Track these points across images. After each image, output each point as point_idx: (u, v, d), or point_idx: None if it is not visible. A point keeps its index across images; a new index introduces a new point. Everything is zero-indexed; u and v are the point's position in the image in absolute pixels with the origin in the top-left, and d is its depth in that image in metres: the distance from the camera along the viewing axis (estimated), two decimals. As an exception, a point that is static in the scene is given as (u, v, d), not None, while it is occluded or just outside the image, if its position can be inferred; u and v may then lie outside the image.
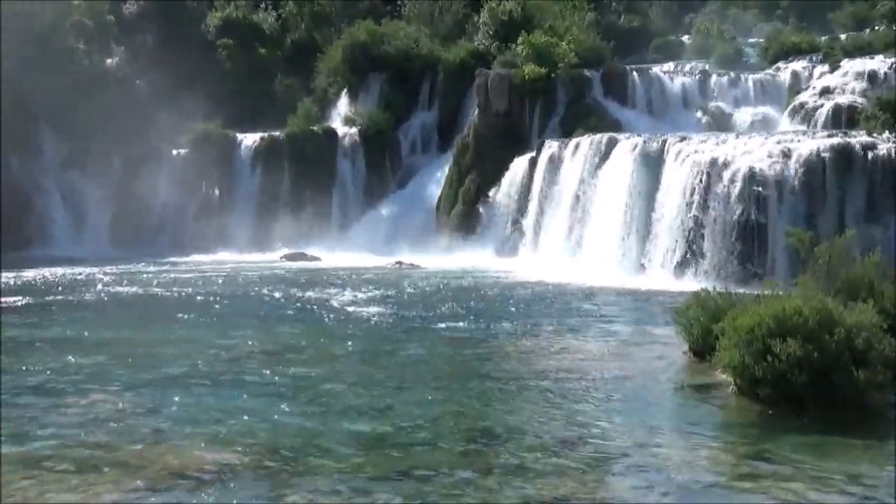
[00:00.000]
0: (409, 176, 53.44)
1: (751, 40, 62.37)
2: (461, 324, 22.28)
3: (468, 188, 47.33)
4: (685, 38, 66.54)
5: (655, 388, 15.02)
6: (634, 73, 50.20)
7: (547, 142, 43.16)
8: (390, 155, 54.21)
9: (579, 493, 9.70)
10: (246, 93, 58.02)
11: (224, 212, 53.81)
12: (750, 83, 49.11)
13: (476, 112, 49.36)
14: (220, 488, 9.73)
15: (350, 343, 19.66)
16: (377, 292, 29.72)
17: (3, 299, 27.92)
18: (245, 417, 12.87)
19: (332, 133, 54.73)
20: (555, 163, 41.01)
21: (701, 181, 31.81)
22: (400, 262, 41.92)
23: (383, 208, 51.79)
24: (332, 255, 46.66)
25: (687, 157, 32.86)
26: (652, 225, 33.32)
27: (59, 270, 38.98)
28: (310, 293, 29.60)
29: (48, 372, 16.29)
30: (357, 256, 45.28)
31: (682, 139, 34.54)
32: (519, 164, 44.55)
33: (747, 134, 35.97)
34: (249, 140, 55.07)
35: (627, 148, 36.08)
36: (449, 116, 53.75)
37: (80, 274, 37.53)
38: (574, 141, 40.57)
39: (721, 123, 45.86)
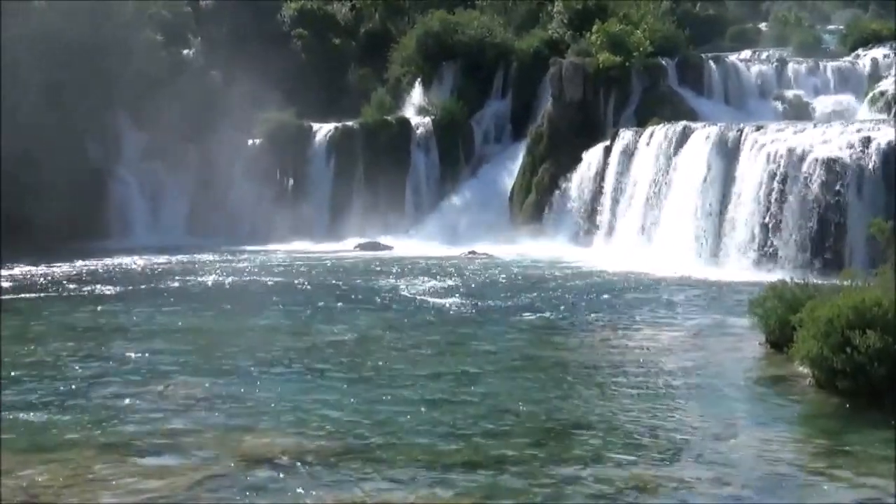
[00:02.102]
0: (482, 165, 53.31)
1: (830, 28, 61.38)
2: (535, 314, 22.22)
3: (542, 178, 47.15)
4: (762, 25, 65.64)
5: (731, 379, 14.88)
6: (710, 61, 49.58)
7: (621, 131, 42.83)
8: (464, 144, 54.09)
9: (655, 484, 9.64)
10: (320, 83, 58.22)
11: (298, 201, 54.14)
12: (829, 71, 48.29)
13: (550, 101, 49.10)
14: (296, 474, 9.82)
15: (424, 332, 19.69)
16: (450, 282, 29.75)
17: (83, 288, 28.38)
18: (321, 405, 12.97)
19: (405, 123, 54.78)
20: (629, 152, 40.71)
21: (778, 171, 31.38)
22: (473, 252, 41.89)
23: (456, 198, 51.73)
24: (405, 245, 46.75)
25: (763, 147, 32.43)
26: (727, 215, 32.94)
27: (138, 260, 39.55)
28: (383, 282, 29.72)
29: (129, 359, 16.56)
30: (430, 246, 45.32)
31: (759, 128, 34.07)
32: (593, 154, 44.27)
33: (826, 123, 35.38)
34: (324, 130, 55.33)
35: (703, 137, 35.69)
36: (522, 106, 53.49)
37: (157, 263, 38.04)
38: (648, 130, 40.22)
39: (799, 112, 45.15)
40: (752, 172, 32.33)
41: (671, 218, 35.90)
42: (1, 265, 35.26)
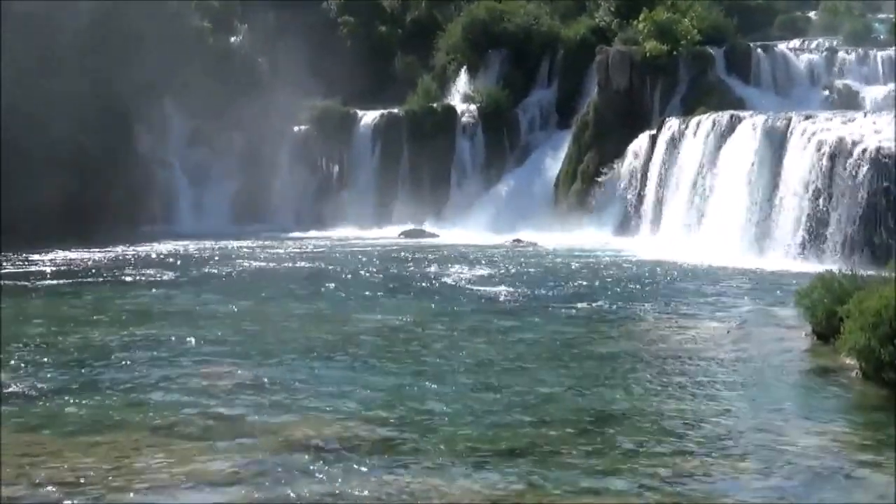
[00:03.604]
0: (527, 154, 53.22)
1: (880, 16, 60.54)
2: (579, 303, 22.14)
3: (587, 166, 47.02)
4: (812, 14, 64.87)
5: (777, 370, 14.76)
6: (759, 49, 49.14)
7: (668, 120, 42.59)
8: (509, 132, 54.02)
9: (700, 475, 9.59)
10: (366, 70, 58.26)
11: (344, 188, 54.36)
12: (879, 60, 47.67)
13: (596, 90, 48.92)
14: (339, 459, 9.85)
15: (467, 321, 19.70)
16: (494, 270, 29.74)
17: (130, 273, 28.64)
18: (363, 392, 13.01)
19: (451, 110, 54.79)
20: (676, 141, 40.46)
21: (827, 160, 31.06)
22: (518, 240, 41.86)
23: (502, 186, 51.68)
24: (449, 233, 46.81)
25: (812, 136, 32.10)
26: (775, 205, 32.66)
27: (183, 246, 39.84)
28: (427, 270, 29.76)
29: (175, 343, 16.69)
30: (475, 234, 45.34)
31: (808, 117, 33.73)
32: (639, 143, 44.08)
33: (876, 112, 34.96)
34: (369, 117, 55.46)
35: (750, 126, 35.39)
36: (568, 94, 53.31)
37: (202, 249, 38.30)
38: (696, 119, 39.96)
39: (848, 102, 44.63)
40: (800, 162, 32.03)
41: (718, 207, 35.66)
42: (48, 250, 35.68)
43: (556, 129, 53.24)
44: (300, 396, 12.67)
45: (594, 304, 21.91)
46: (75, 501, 8.59)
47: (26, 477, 9.19)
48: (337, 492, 8.95)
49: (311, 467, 9.64)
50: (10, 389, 12.83)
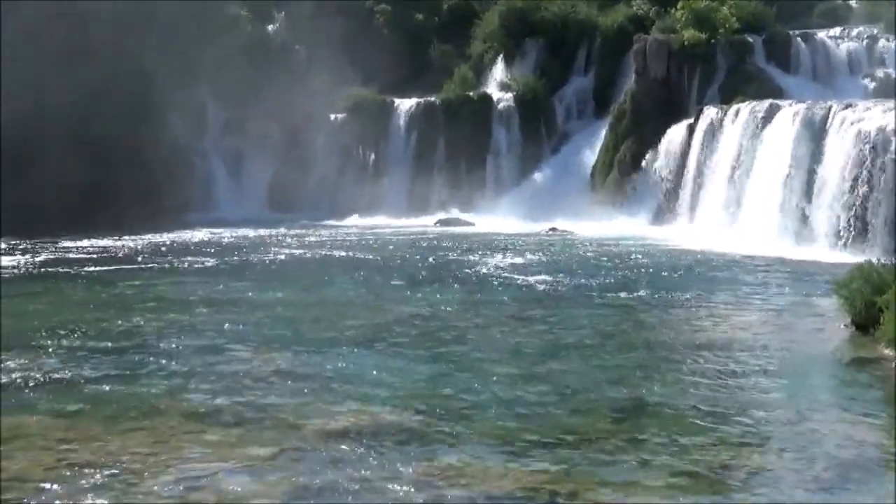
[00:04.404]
0: (564, 142, 53.10)
1: (923, 4, 59.90)
2: (615, 292, 22.08)
3: (624, 155, 46.84)
4: (852, 2, 64.25)
5: (815, 360, 14.67)
6: (798, 38, 48.71)
7: (706, 108, 42.34)
8: (545, 121, 53.90)
9: (736, 465, 9.55)
10: (403, 58, 58.27)
11: (380, 176, 54.42)
12: (921, 48, 47.22)
13: (633, 78, 48.70)
14: (374, 447, 9.88)
15: (503, 309, 19.69)
16: (530, 259, 29.70)
17: (168, 260, 28.82)
18: (399, 379, 13.04)
19: (487, 99, 54.72)
20: (713, 130, 40.23)
21: (867, 150, 30.78)
22: (554, 229, 41.79)
23: (538, 174, 51.60)
24: (485, 221, 46.78)
25: (852, 125, 31.80)
26: (814, 194, 32.41)
27: (220, 233, 40.05)
28: (463, 258, 29.76)
29: (212, 330, 16.79)
30: (511, 222, 45.29)
31: (848, 106, 33.42)
32: (676, 131, 43.85)
33: (917, 101, 34.59)
34: (405, 105, 55.48)
35: (789, 115, 35.12)
36: (605, 82, 53.15)
37: (239, 237, 38.48)
38: (734, 108, 39.71)
39: (889, 90, 44.15)
40: (839, 151, 31.75)
41: (756, 197, 35.45)
42: (85, 237, 35.96)
43: (593, 118, 53.09)
44: (336, 384, 12.71)
45: (630, 294, 21.84)
46: (114, 485, 8.65)
47: (66, 461, 9.28)
48: (373, 478, 8.98)
49: (347, 454, 9.67)
50: (51, 375, 12.95)
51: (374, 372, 13.45)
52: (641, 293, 21.95)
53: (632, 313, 19.37)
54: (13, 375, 12.88)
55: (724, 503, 8.74)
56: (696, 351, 15.10)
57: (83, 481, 8.73)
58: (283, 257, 30.53)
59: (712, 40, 47.15)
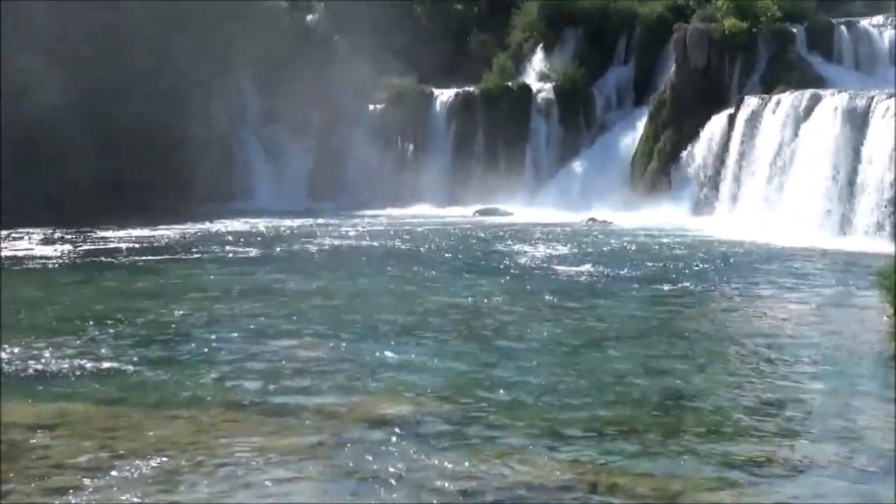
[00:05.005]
0: (603, 132, 52.88)
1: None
2: (655, 283, 22.00)
3: (664, 145, 46.60)
4: (896, -11, 63.59)
5: (856, 353, 14.53)
6: (841, 26, 48.19)
7: (746, 98, 42.01)
8: (585, 111, 53.71)
9: (776, 458, 9.48)
10: (442, 48, 58.17)
11: (418, 167, 54.42)
12: (966, 37, 46.62)
13: (673, 68, 48.41)
14: (414, 436, 9.90)
15: (542, 299, 19.65)
16: (569, 249, 29.63)
17: (208, 249, 28.99)
18: (439, 369, 13.06)
19: (526, 89, 54.57)
20: (754, 120, 39.91)
21: (910, 139, 30.47)
22: (593, 219, 41.67)
23: (577, 164, 51.44)
24: (524, 211, 46.71)
25: (895, 115, 31.51)
26: (856, 185, 32.12)
27: (260, 222, 40.23)
28: (502, 248, 29.74)
29: (252, 319, 16.87)
30: (550, 212, 45.21)
31: (891, 96, 33.05)
32: (717, 122, 43.56)
33: (962, 90, 34.17)
34: (444, 96, 55.45)
35: (831, 105, 34.79)
36: (645, 72, 52.87)
37: (279, 226, 38.63)
38: (775, 97, 39.38)
39: (933, 80, 43.71)
40: (882, 141, 31.44)
41: (797, 187, 35.15)
42: (126, 227, 36.24)
43: (632, 108, 52.84)
44: (376, 373, 12.74)
45: (670, 285, 21.74)
46: (156, 473, 8.72)
47: (108, 449, 9.36)
48: (413, 468, 9.00)
49: (387, 444, 9.69)
50: (94, 364, 13.06)
51: (414, 361, 13.47)
52: (682, 284, 21.85)
53: (672, 304, 19.28)
54: (56, 363, 13.01)
55: (765, 495, 8.68)
56: (738, 342, 15.02)
57: (125, 469, 8.80)
58: (322, 247, 30.62)
59: (753, 29, 46.75)
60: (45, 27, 44.43)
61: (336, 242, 31.99)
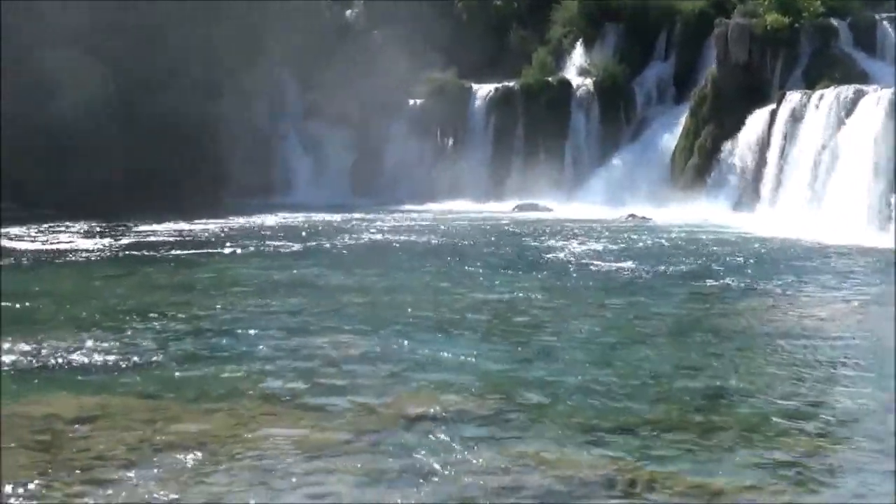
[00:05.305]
0: (643, 128, 52.74)
1: None
2: (695, 280, 21.88)
3: (705, 141, 46.40)
4: (941, -16, 62.92)
5: (899, 352, 14.38)
6: (885, 22, 47.77)
7: (788, 94, 41.75)
8: (625, 106, 53.59)
9: (813, 457, 9.39)
10: (482, 43, 58.23)
11: (458, 161, 54.47)
12: None
13: (714, 63, 48.19)
14: (452, 432, 9.88)
15: (581, 296, 19.61)
16: (608, 245, 29.53)
17: (248, 243, 29.12)
18: (476, 364, 13.03)
19: (566, 84, 54.49)
20: (797, 116, 39.66)
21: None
22: (633, 215, 41.55)
23: (616, 160, 51.31)
24: (564, 207, 46.64)
25: (940, 111, 31.20)
26: (901, 181, 31.86)
27: (300, 217, 40.38)
28: (541, 244, 29.68)
29: (290, 313, 16.93)
30: (589, 208, 45.11)
31: (935, 92, 32.78)
32: (758, 117, 43.31)
33: None
34: (484, 91, 55.45)
35: (875, 100, 34.52)
36: (686, 68, 52.68)
37: (319, 220, 38.75)
38: (818, 93, 39.11)
39: (978, 75, 43.22)
40: (927, 137, 31.17)
41: (840, 184, 34.90)
42: (166, 220, 36.46)
43: (673, 104, 52.68)
44: (413, 369, 12.74)
45: (710, 282, 21.61)
46: (195, 466, 8.76)
47: (148, 441, 9.41)
48: (449, 464, 8.98)
49: (424, 439, 9.68)
50: (134, 357, 13.14)
51: (451, 357, 13.45)
52: (722, 282, 21.71)
53: (712, 302, 19.16)
54: (98, 356, 13.10)
55: (805, 496, 8.60)
56: (778, 341, 14.89)
57: (164, 461, 8.85)
58: (360, 242, 30.69)
59: (796, 24, 46.47)
60: (81, 20, 44.78)
61: (374, 237, 32.06)
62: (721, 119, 45.74)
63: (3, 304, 17.50)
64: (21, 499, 7.94)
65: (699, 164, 46.20)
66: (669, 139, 49.86)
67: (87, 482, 8.35)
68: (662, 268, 23.98)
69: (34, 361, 12.77)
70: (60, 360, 12.84)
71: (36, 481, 8.27)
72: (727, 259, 26.02)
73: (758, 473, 8.99)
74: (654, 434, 10.06)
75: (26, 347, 13.48)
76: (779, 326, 16.25)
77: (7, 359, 12.84)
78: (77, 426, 9.90)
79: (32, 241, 30.88)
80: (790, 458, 9.37)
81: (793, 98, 40.69)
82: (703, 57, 51.44)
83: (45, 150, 43.64)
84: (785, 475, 8.96)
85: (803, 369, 13.06)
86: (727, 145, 44.71)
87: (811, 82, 43.12)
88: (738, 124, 44.39)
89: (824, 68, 44.51)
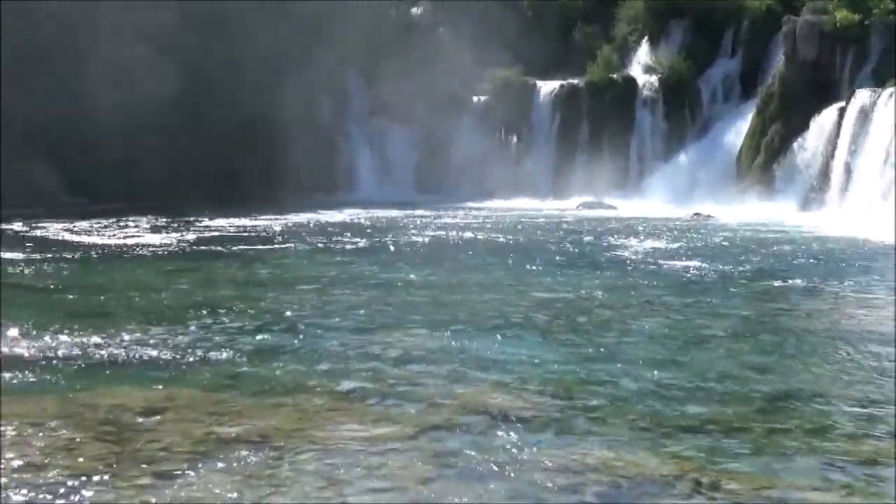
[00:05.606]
0: (709, 126, 52.36)
1: None
2: (762, 280, 21.68)
3: (771, 139, 45.96)
4: None
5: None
6: (957, 18, 46.96)
7: (858, 91, 41.20)
8: (690, 104, 53.23)
9: (880, 460, 9.27)
10: (546, 40, 58.10)
11: (522, 158, 54.46)
12: None
13: (782, 60, 47.71)
14: (515, 429, 9.88)
15: (644, 294, 19.49)
16: (673, 244, 29.34)
17: (313, 240, 29.29)
18: (538, 362, 13.01)
19: (631, 81, 54.26)
20: (866, 114, 39.15)
21: None
22: (698, 214, 41.26)
23: (682, 158, 50.99)
24: (628, 205, 46.44)
25: None
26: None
27: (365, 214, 40.55)
28: (604, 243, 29.56)
29: (354, 309, 17.02)
30: (654, 206, 44.87)
31: None
32: (827, 115, 42.80)
33: None
34: (548, 88, 55.36)
35: (947, 99, 33.98)
36: (753, 65, 52.22)
37: (383, 218, 38.90)
38: (888, 90, 38.57)
39: None
40: None
41: (910, 182, 34.40)
42: (232, 216, 36.78)
43: (739, 101, 52.25)
44: (476, 367, 12.74)
45: (777, 282, 21.40)
46: (261, 460, 8.83)
47: (213, 435, 9.50)
48: (513, 461, 8.98)
49: (488, 436, 9.69)
50: (200, 350, 13.29)
51: (515, 356, 13.44)
52: (789, 281, 21.49)
53: (778, 302, 18.98)
54: (166, 349, 13.27)
55: (873, 497, 8.50)
56: (846, 342, 14.70)
57: (230, 455, 8.93)
58: (424, 239, 30.76)
59: (866, 21, 45.82)
60: (150, 17, 45.33)
61: (438, 234, 32.12)
62: (788, 117, 45.27)
63: (74, 296, 17.87)
64: (91, 489, 8.06)
65: (765, 162, 45.76)
66: (735, 137, 49.44)
67: (154, 475, 8.45)
68: (728, 267, 23.78)
69: (104, 354, 12.97)
70: (129, 353, 13.02)
71: (104, 473, 8.39)
72: (793, 259, 25.75)
73: (824, 475, 8.89)
74: (719, 435, 9.98)
75: (97, 340, 13.70)
76: (847, 327, 16.05)
77: (78, 351, 13.06)
78: (144, 418, 10.03)
79: (100, 236, 31.35)
80: (857, 460, 9.26)
81: (862, 96, 40.16)
82: (771, 54, 50.97)
83: (114, 146, 44.23)
84: (852, 477, 8.85)
85: (871, 372, 12.89)
86: (794, 144, 44.23)
87: (881, 80, 42.49)
88: (805, 122, 43.92)
89: (894, 66, 43.85)
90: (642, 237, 31.24)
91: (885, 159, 36.35)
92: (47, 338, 13.87)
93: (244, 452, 9.02)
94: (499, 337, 14.83)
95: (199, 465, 8.67)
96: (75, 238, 30.40)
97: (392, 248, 28.29)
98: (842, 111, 41.16)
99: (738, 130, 49.52)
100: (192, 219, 36.60)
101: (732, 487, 8.55)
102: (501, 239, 30.72)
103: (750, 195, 44.42)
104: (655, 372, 12.69)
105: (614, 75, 54.76)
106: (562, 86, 54.98)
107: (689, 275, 22.46)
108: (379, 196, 50.09)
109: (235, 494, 8.03)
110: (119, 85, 43.52)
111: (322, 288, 19.83)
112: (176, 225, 34.73)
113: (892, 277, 22.16)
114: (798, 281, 21.47)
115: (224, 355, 13.11)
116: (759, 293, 19.98)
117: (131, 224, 35.21)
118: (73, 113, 44.03)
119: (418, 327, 15.37)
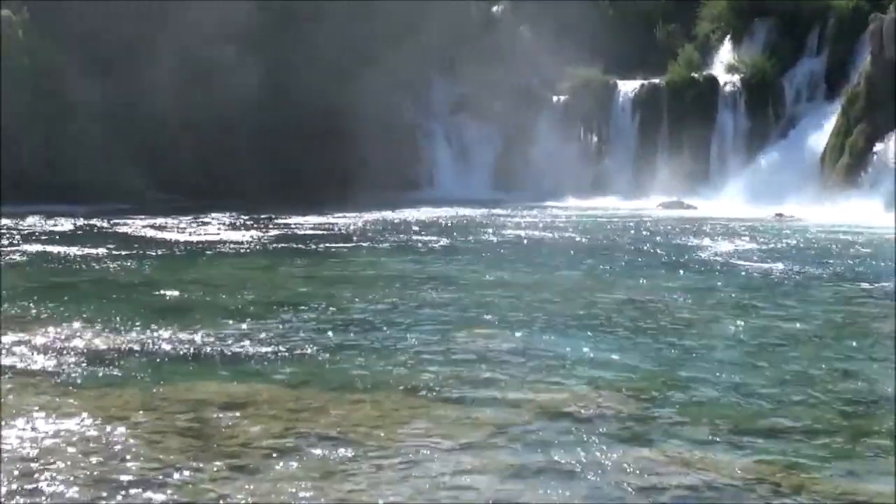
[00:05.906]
0: (792, 125, 51.65)
1: None
2: (845, 283, 21.35)
3: (857, 139, 45.21)
4: None
5: None
6: None
7: (947, 91, 40.40)
8: (774, 103, 52.56)
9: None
10: (627, 39, 57.77)
11: (601, 158, 54.24)
12: None
13: (868, 59, 46.89)
14: (593, 429, 9.85)
15: (725, 296, 19.32)
16: (755, 245, 29.01)
17: (394, 237, 29.43)
18: (617, 362, 12.96)
19: (713, 81, 53.74)
20: (955, 113, 38.35)
21: None
22: (780, 215, 40.74)
23: (764, 158, 50.38)
24: (709, 205, 46.01)
25: None
26: None
27: (445, 212, 40.61)
28: (685, 243, 29.32)
29: (432, 307, 17.08)
30: (735, 206, 44.41)
31: None
32: (915, 115, 42.03)
33: None
34: (629, 87, 55.05)
35: None
36: (838, 64, 51.41)
37: (463, 216, 38.95)
38: (978, 90, 37.73)
39: None
40: None
41: None
42: (313, 213, 37.08)
43: (824, 101, 51.48)
44: (556, 366, 12.72)
45: (863, 285, 21.05)
46: (340, 456, 8.89)
47: (294, 430, 9.59)
48: (591, 461, 8.95)
49: (566, 436, 9.66)
50: (280, 346, 13.43)
51: (594, 355, 13.39)
52: (875, 284, 21.13)
53: (864, 305, 18.66)
54: (247, 345, 13.42)
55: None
56: (933, 346, 14.42)
57: (309, 451, 9.00)
58: (504, 237, 30.76)
59: (956, 19, 44.88)
60: (239, 18, 45.87)
61: (518, 233, 32.10)
62: (874, 117, 44.53)
63: (157, 292, 18.17)
64: (171, 483, 8.18)
65: (850, 163, 45.04)
66: (819, 137, 48.75)
67: (235, 469, 8.55)
68: (812, 269, 23.46)
69: (186, 349, 13.16)
70: (211, 349, 13.19)
71: (186, 467, 8.51)
72: (879, 261, 25.31)
73: (910, 482, 8.75)
74: (802, 438, 9.86)
75: (181, 335, 13.91)
76: (933, 332, 15.74)
77: (160, 346, 13.28)
78: (225, 413, 10.15)
79: (182, 232, 31.81)
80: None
81: (952, 95, 39.38)
82: (857, 53, 50.16)
83: (199, 144, 44.84)
84: (939, 485, 8.70)
85: (959, 376, 12.64)
86: (881, 144, 43.50)
87: (970, 79, 41.69)
88: (891, 122, 43.18)
89: (984, 65, 43.02)
90: (723, 238, 30.92)
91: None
92: (131, 332, 14.12)
93: (323, 449, 9.09)
94: (579, 336, 14.79)
95: (279, 461, 8.76)
96: (156, 234, 30.88)
97: (472, 246, 28.34)
98: (930, 111, 40.48)
99: (821, 130, 48.82)
100: (271, 216, 36.98)
101: (814, 491, 8.44)
102: (580, 238, 30.61)
103: (834, 196, 43.78)
104: (737, 374, 12.56)
105: (695, 74, 54.30)
106: (642, 85, 54.67)
107: (771, 276, 22.19)
108: (457, 194, 50.16)
109: (314, 492, 8.10)
110: (204, 83, 44.11)
111: (400, 286, 19.92)
112: (256, 222, 35.13)
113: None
114: (884, 284, 21.10)
115: (304, 352, 13.24)
116: (843, 295, 19.67)
117: (212, 221, 35.67)
118: (159, 111, 44.68)
119: (496, 327, 15.38)
